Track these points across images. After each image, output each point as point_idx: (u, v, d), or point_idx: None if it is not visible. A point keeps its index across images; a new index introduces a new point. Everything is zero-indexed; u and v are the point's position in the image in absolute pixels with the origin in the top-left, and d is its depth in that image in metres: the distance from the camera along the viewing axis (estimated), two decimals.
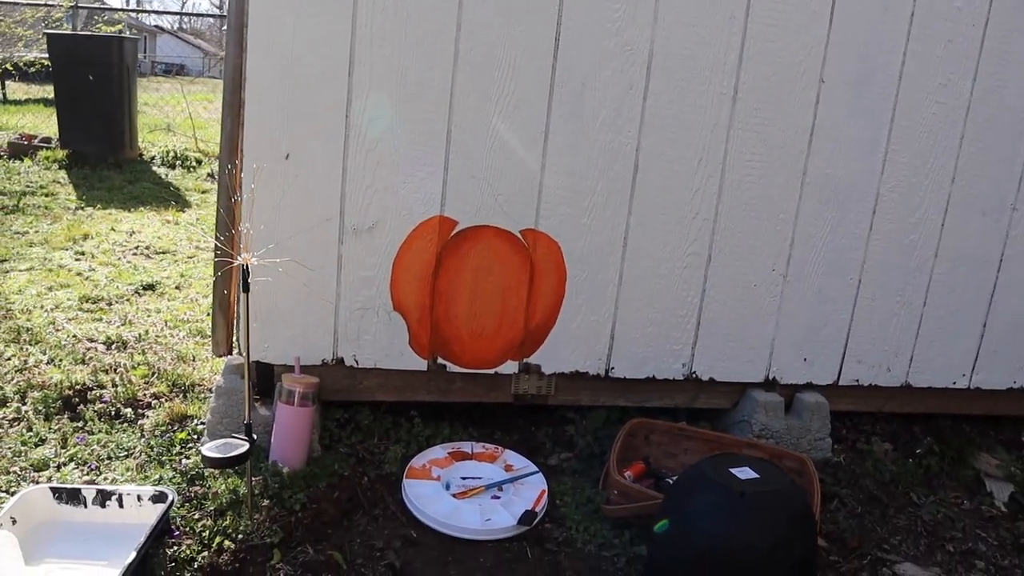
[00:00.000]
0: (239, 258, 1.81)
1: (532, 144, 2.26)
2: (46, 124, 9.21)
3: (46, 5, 8.23)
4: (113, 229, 4.69)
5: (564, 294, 2.41)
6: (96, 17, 8.47)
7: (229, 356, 2.35)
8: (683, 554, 1.74)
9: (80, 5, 8.35)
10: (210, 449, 1.81)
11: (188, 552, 1.81)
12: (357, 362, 2.32)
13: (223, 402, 2.22)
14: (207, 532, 1.87)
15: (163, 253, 4.34)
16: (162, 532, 1.77)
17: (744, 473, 1.79)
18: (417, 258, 2.28)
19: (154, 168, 7.12)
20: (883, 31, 2.42)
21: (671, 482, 2.21)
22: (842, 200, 2.53)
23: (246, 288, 1.82)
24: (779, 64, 2.37)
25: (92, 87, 6.93)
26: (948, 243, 2.66)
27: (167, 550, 1.80)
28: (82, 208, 5.25)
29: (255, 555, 1.84)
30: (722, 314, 2.53)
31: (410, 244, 2.26)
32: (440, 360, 2.39)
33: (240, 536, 1.87)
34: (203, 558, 1.80)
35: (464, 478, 2.26)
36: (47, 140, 7.43)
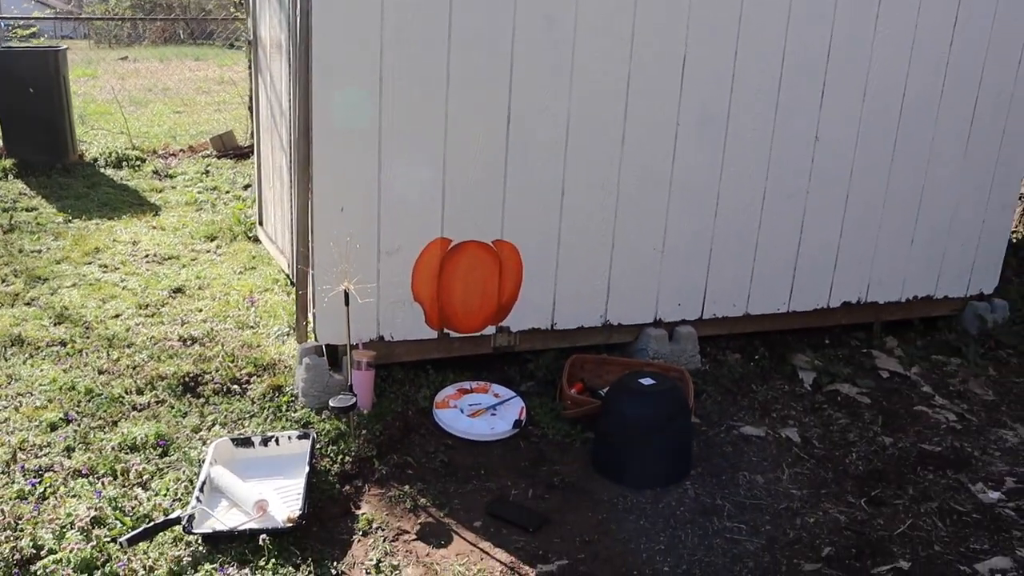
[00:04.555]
0: (341, 286, 2.95)
1: (496, 185, 3.45)
2: None
3: None
4: (116, 240, 5.57)
5: (522, 279, 3.64)
6: (10, 25, 8.88)
7: (305, 343, 3.49)
8: (616, 429, 3.06)
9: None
10: (335, 402, 2.98)
11: (325, 465, 3.00)
12: (393, 337, 3.50)
13: (311, 374, 3.37)
14: (332, 453, 3.06)
15: (169, 258, 5.28)
16: (313, 455, 2.94)
17: (646, 380, 3.12)
18: (427, 266, 3.45)
19: (101, 171, 7.78)
20: (716, 89, 3.70)
21: (602, 393, 3.52)
22: (697, 198, 3.83)
23: (347, 303, 2.98)
24: (649, 116, 3.61)
25: (32, 98, 7.50)
26: (767, 220, 4.00)
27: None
28: (70, 221, 6.04)
29: (364, 463, 3.05)
30: (623, 281, 3.82)
31: (422, 257, 3.44)
32: (445, 330, 3.59)
33: (352, 453, 3.07)
34: (335, 467, 3.00)
35: (471, 404, 3.49)
36: None
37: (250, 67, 5.85)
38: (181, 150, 8.84)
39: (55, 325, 4.18)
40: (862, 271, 4.28)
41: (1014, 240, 5.94)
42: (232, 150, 8.59)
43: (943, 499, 3.11)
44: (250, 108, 6.48)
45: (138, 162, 8.11)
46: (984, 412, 3.84)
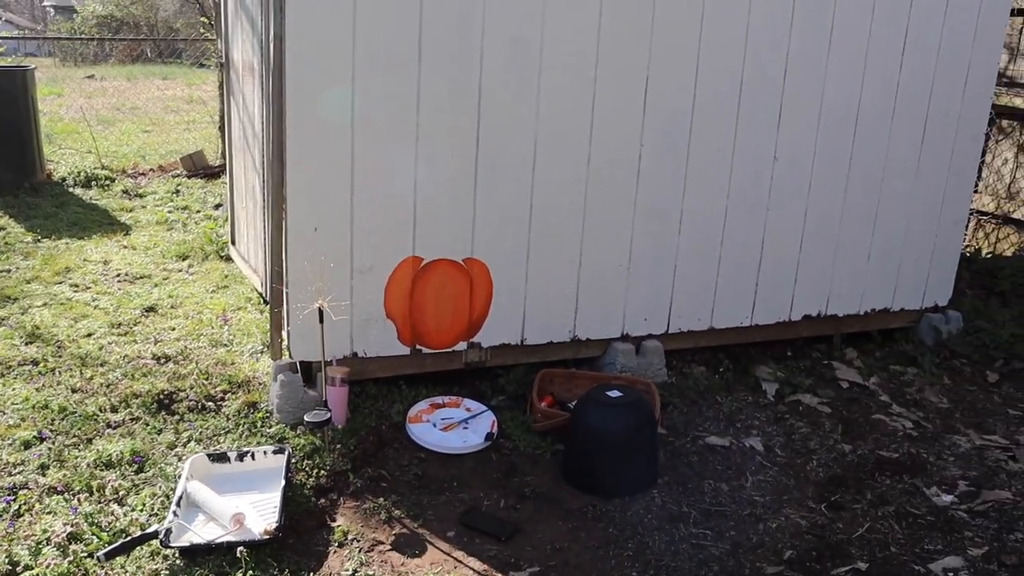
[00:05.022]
0: (315, 304, 3.02)
1: (466, 205, 3.55)
2: None
3: None
4: (86, 260, 5.57)
5: (492, 296, 3.73)
6: None
7: (279, 360, 3.53)
8: (585, 440, 3.15)
9: None
10: (310, 417, 3.04)
11: (301, 479, 3.05)
12: (366, 354, 3.57)
13: (286, 390, 3.42)
14: (307, 467, 3.11)
15: (141, 278, 5.30)
16: (289, 469, 2.99)
17: (613, 393, 3.21)
18: (400, 284, 3.53)
19: (70, 190, 7.77)
20: (678, 110, 3.83)
21: (571, 406, 3.61)
22: (662, 218, 3.95)
23: (321, 320, 3.04)
24: (614, 137, 3.74)
25: (1, 118, 7.48)
26: (729, 236, 4.14)
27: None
28: (39, 240, 6.02)
29: (339, 476, 3.10)
30: (591, 297, 3.92)
31: (395, 275, 3.51)
32: (418, 346, 3.66)
33: (327, 467, 3.12)
34: (311, 481, 3.05)
35: (443, 419, 3.56)
36: None
37: (221, 88, 5.92)
38: (151, 169, 8.84)
39: (26, 344, 4.18)
40: (822, 285, 4.43)
41: (967, 254, 6.16)
42: (202, 169, 8.60)
43: (899, 503, 3.24)
44: (221, 128, 6.54)
45: (107, 181, 8.11)
46: (939, 419, 3.99)
